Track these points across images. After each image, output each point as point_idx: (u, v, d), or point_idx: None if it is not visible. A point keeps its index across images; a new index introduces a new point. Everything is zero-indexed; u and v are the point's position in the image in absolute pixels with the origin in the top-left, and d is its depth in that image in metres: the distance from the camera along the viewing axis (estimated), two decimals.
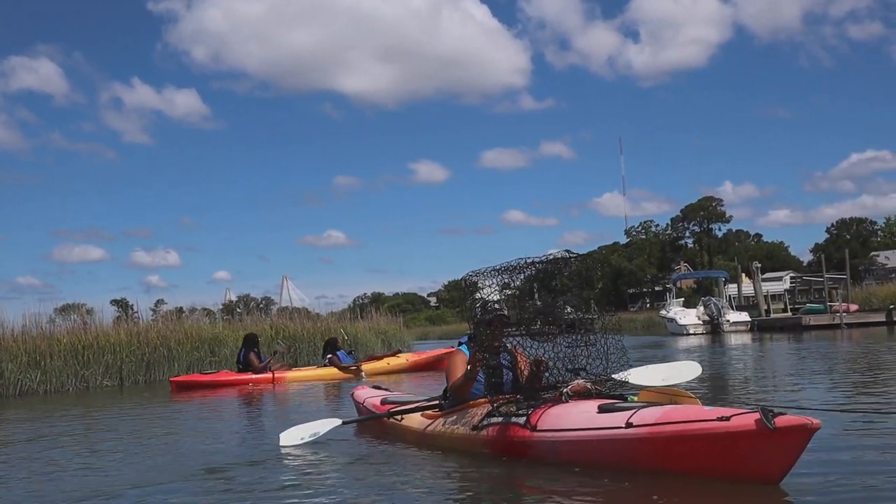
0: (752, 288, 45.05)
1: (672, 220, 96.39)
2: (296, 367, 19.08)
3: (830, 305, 37.43)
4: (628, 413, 4.66)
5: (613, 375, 5.55)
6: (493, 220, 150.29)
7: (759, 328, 35.87)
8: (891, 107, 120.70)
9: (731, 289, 46.23)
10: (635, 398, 5.47)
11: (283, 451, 6.41)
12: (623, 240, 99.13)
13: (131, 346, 18.95)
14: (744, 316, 37.94)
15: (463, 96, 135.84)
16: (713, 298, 38.92)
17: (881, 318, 33.28)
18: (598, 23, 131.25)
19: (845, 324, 32.44)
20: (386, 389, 8.45)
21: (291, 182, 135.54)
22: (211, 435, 8.39)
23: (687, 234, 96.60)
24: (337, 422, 6.82)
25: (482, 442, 5.52)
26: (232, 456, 6.51)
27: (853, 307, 36.00)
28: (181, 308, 28.00)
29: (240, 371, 17.06)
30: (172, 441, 7.95)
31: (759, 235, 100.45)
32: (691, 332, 35.51)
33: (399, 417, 6.69)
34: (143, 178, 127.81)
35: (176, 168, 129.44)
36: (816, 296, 47.42)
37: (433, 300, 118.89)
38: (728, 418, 4.16)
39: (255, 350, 17.31)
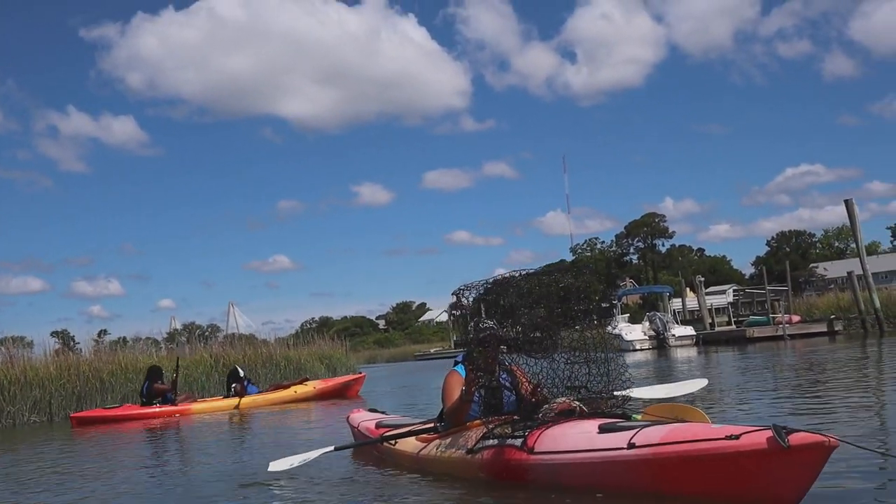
0: (697, 302, 45.50)
1: (616, 236, 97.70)
2: (201, 398, 18.46)
3: (773, 317, 37.86)
4: (630, 433, 4.36)
5: (615, 393, 5.29)
6: (437, 240, 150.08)
7: (705, 342, 36.10)
8: (822, 122, 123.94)
9: (676, 303, 46.61)
10: (639, 417, 5.21)
11: (272, 478, 6.20)
12: (569, 257, 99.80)
13: (61, 379, 18.21)
14: (689, 330, 38.23)
15: (404, 118, 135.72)
16: (658, 313, 39.16)
17: (823, 328, 33.72)
18: (536, 44, 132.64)
19: (788, 335, 32.77)
20: (382, 412, 8.23)
21: (234, 207, 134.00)
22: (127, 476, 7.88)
23: (631, 250, 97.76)
24: (329, 448, 6.54)
25: (478, 466, 5.25)
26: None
27: (795, 318, 36.41)
28: (125, 338, 27.26)
29: (143, 405, 16.71)
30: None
31: (701, 250, 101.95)
32: (637, 347, 35.58)
33: (393, 441, 6.41)
34: (80, 206, 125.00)
35: (115, 195, 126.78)
36: (759, 308, 47.96)
37: (381, 323, 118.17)
38: (737, 437, 3.85)
39: (160, 382, 17.04)
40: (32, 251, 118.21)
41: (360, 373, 20.69)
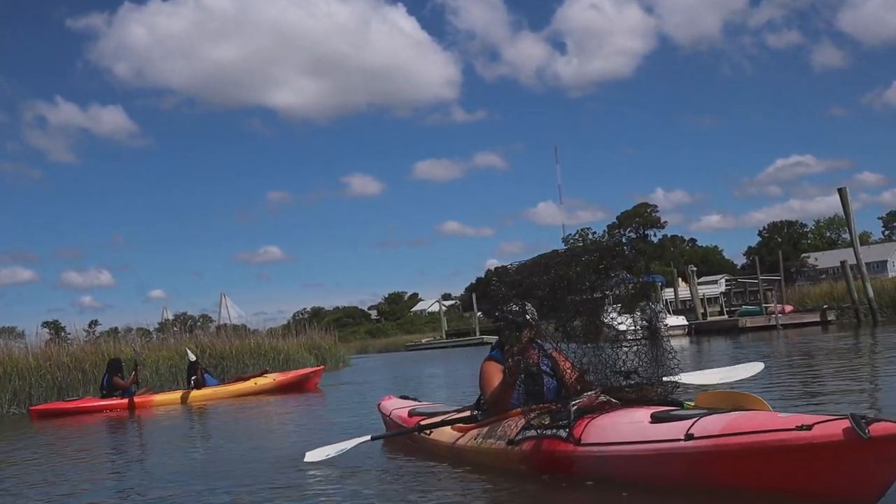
0: (689, 292, 45.27)
1: (609, 227, 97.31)
2: (161, 391, 18.17)
3: (766, 307, 37.65)
4: (687, 423, 4.04)
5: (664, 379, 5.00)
6: (428, 231, 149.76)
7: (697, 332, 35.90)
8: (812, 112, 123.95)
9: (668, 293, 46.36)
10: (691, 405, 4.87)
11: (305, 468, 6.02)
12: (561, 248, 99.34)
13: (41, 370, 17.85)
14: (681, 320, 38.01)
15: (394, 109, 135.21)
16: (651, 304, 38.86)
17: (815, 317, 33.58)
18: (526, 34, 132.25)
19: (781, 325, 32.60)
20: (414, 399, 7.98)
21: (224, 198, 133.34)
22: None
23: (623, 240, 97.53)
24: (366, 437, 6.33)
25: (519, 457, 4.95)
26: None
27: (788, 308, 36.25)
28: (116, 328, 26.99)
29: (103, 397, 16.49)
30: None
31: (693, 240, 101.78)
32: (629, 337, 35.26)
33: (429, 431, 6.10)
34: (70, 197, 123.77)
35: (104, 186, 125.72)
36: (752, 298, 47.89)
37: (374, 313, 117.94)
38: (810, 427, 3.50)
39: (119, 375, 16.73)
40: (22, 242, 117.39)
41: (319, 366, 20.46)
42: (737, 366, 6.16)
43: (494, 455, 5.18)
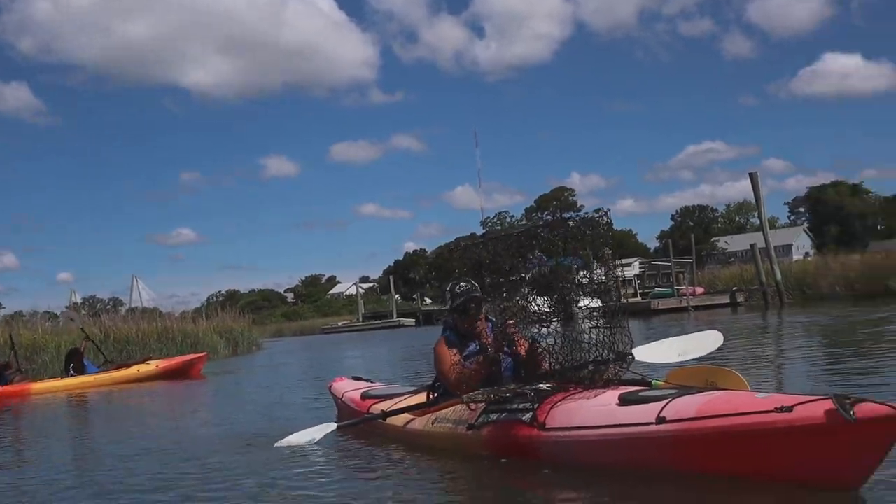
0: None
1: (526, 210, 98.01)
2: (39, 379, 17.36)
3: (678, 289, 38.37)
4: (659, 405, 3.82)
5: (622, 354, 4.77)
6: (346, 213, 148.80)
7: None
8: (723, 100, 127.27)
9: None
10: (661, 383, 4.68)
11: (255, 456, 5.77)
12: (479, 231, 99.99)
13: None
14: (596, 302, 38.39)
15: (311, 89, 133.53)
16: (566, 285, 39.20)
17: (725, 299, 34.35)
18: (445, 17, 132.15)
19: (692, 306, 33.24)
20: (367, 381, 7.69)
21: (135, 179, 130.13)
22: None
23: (541, 223, 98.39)
24: (332, 426, 5.90)
25: (481, 442, 4.73)
26: None
27: (699, 290, 37.03)
28: (21, 312, 25.89)
29: None
30: None
31: (609, 224, 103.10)
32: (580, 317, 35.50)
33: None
34: None
35: (8, 165, 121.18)
36: (664, 281, 48.78)
37: (290, 296, 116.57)
38: (790, 408, 3.29)
39: None
40: None
41: (203, 353, 19.93)
42: (694, 335, 5.77)
43: (455, 439, 4.98)
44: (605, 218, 4.86)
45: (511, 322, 5.04)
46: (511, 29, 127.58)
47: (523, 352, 5.09)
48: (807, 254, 67.64)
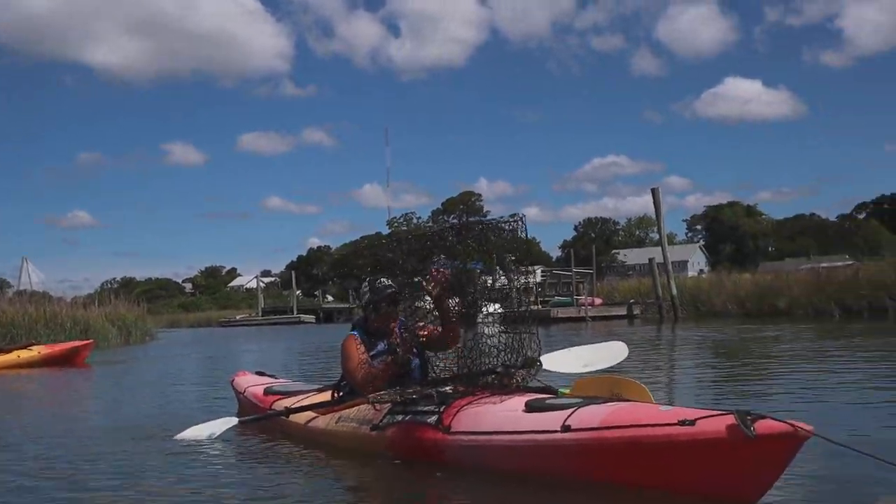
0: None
1: (433, 212, 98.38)
2: None
3: (577, 299, 39.03)
4: (564, 413, 3.80)
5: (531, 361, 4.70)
6: (252, 205, 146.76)
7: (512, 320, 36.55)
8: (629, 115, 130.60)
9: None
10: (567, 391, 4.64)
11: (146, 449, 5.49)
12: (385, 230, 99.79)
13: None
14: (497, 308, 38.69)
15: (221, 78, 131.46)
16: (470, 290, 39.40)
17: (622, 311, 35.08)
18: (362, 13, 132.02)
19: (590, 316, 33.85)
20: (271, 376, 7.49)
21: (30, 156, 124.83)
22: None
23: (448, 227, 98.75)
24: (233, 421, 5.79)
25: (385, 443, 4.66)
26: None
27: (598, 301, 37.72)
28: None
29: None
30: None
31: (514, 231, 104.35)
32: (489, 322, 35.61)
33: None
34: None
35: None
36: (565, 290, 49.57)
37: (189, 286, 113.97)
38: (693, 422, 3.30)
39: None
40: None
41: (89, 339, 19.31)
42: (600, 345, 5.90)
43: (358, 440, 4.90)
44: (518, 224, 4.84)
45: (421, 324, 4.99)
46: (426, 30, 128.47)
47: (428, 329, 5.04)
48: (701, 271, 69.88)
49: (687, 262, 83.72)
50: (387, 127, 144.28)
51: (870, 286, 22.40)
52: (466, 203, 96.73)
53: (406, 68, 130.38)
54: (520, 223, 4.84)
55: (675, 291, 32.01)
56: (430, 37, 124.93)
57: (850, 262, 36.33)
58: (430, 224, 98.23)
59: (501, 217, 4.91)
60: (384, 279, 5.30)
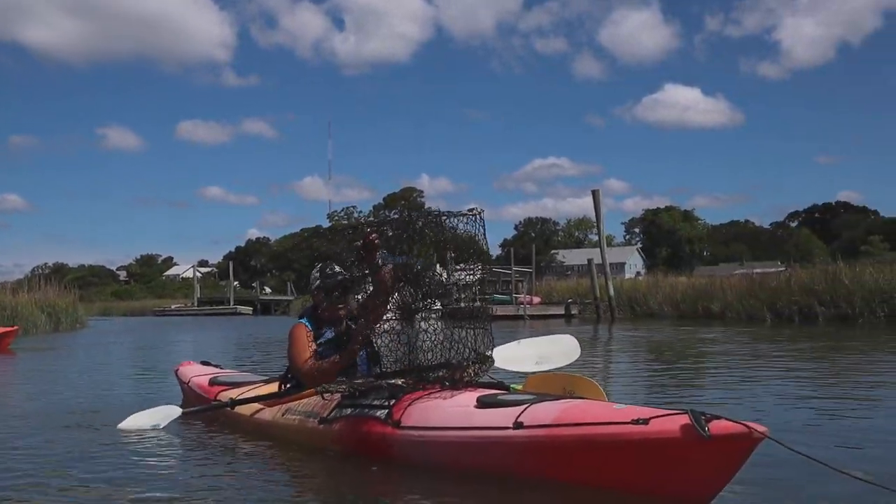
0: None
1: (374, 207, 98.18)
2: None
3: (516, 297, 39.27)
4: (516, 410, 3.73)
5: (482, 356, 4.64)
6: (189, 194, 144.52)
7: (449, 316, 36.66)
8: (570, 118, 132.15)
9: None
10: (519, 387, 4.59)
11: (79, 441, 5.25)
12: (325, 223, 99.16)
13: None
14: (437, 304, 38.73)
15: (161, 63, 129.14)
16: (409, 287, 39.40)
17: (560, 310, 35.37)
18: (306, 5, 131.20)
19: (528, 315, 34.07)
20: (216, 366, 7.32)
21: None
22: None
23: (388, 220, 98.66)
24: (177, 411, 5.55)
25: (332, 437, 4.57)
26: None
27: (536, 300, 38.00)
28: None
29: None
30: None
31: (454, 228, 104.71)
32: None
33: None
34: None
35: None
36: (504, 288, 49.88)
37: (123, 274, 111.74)
38: (646, 421, 3.26)
39: None
40: None
41: (13, 326, 18.79)
42: (551, 337, 5.88)
43: (306, 433, 4.78)
44: (476, 218, 4.84)
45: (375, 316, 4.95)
46: (371, 25, 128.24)
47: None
48: (638, 273, 70.90)
49: (624, 264, 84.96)
50: (329, 120, 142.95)
51: (801, 292, 22.87)
52: (408, 199, 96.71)
53: (350, 62, 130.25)
54: (478, 217, 4.81)
55: (612, 292, 32.38)
56: (375, 31, 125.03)
57: (782, 269, 37.12)
58: (371, 219, 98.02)
59: (459, 211, 4.87)
60: (335, 266, 5.21)
